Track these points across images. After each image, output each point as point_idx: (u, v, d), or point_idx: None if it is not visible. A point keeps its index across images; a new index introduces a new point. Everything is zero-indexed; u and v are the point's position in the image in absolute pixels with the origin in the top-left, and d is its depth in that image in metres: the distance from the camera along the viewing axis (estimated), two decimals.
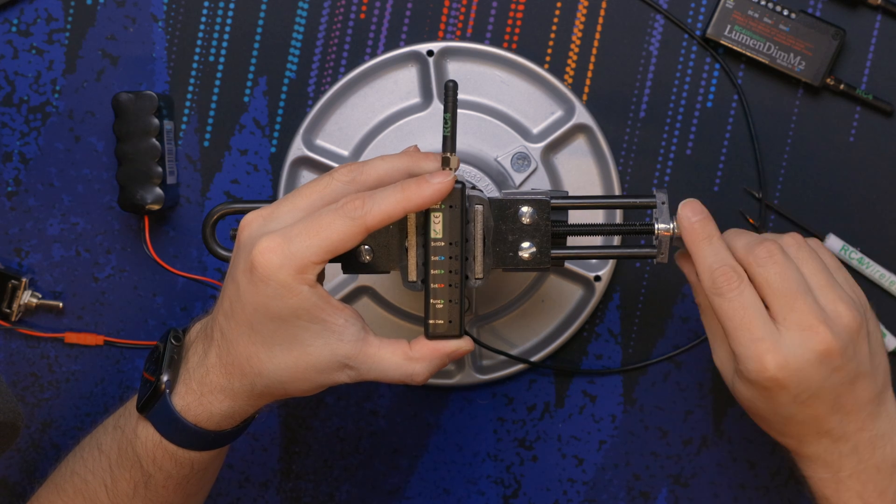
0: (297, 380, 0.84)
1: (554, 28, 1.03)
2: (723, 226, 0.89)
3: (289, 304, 0.82)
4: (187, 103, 1.03)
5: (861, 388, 0.85)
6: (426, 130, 1.01)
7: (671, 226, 0.88)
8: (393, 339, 0.85)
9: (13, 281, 1.01)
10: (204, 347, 0.86)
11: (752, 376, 0.84)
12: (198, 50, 1.03)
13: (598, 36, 1.03)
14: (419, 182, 0.82)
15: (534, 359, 1.03)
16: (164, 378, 0.86)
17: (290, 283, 0.81)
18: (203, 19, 1.03)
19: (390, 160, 0.86)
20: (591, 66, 1.03)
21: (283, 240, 0.81)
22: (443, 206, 0.83)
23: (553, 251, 0.88)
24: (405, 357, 0.85)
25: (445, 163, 0.84)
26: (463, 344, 0.86)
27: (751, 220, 1.03)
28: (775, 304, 0.85)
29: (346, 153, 1.02)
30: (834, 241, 1.03)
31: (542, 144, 1.01)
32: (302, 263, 0.81)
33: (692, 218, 0.87)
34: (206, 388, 0.86)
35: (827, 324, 0.84)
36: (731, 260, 0.86)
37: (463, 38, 1.03)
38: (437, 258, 0.84)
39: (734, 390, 0.88)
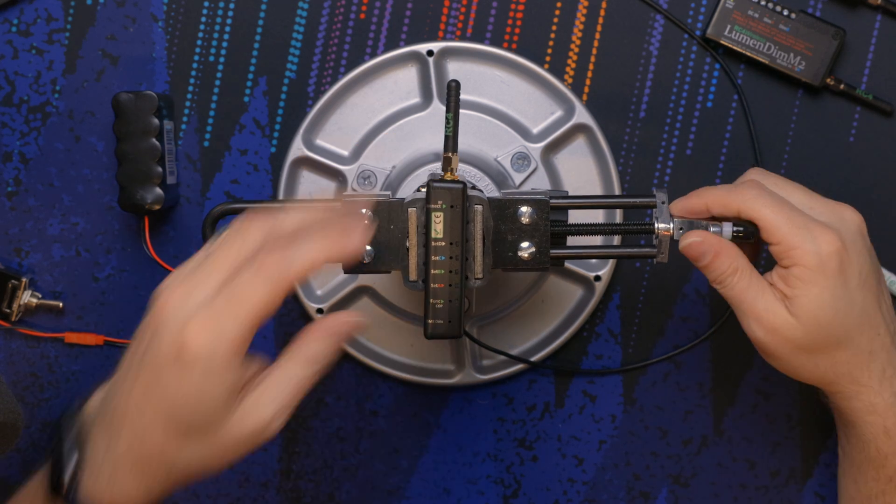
0: (210, 467, 0.80)
1: (554, 28, 1.03)
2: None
3: (216, 390, 0.77)
4: (187, 103, 1.03)
5: (884, 288, 0.89)
6: (426, 130, 1.01)
7: (671, 226, 0.88)
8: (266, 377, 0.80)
9: (13, 281, 1.01)
10: (109, 435, 0.80)
11: (823, 258, 0.84)
12: (198, 50, 1.03)
13: (598, 36, 1.03)
14: (343, 229, 0.78)
15: (534, 359, 1.03)
16: (68, 472, 0.82)
17: (222, 367, 0.76)
18: (203, 19, 1.03)
19: (307, 210, 0.80)
20: (591, 66, 1.03)
21: (210, 319, 0.76)
22: (444, 206, 0.84)
23: (553, 251, 0.88)
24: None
25: (447, 163, 0.84)
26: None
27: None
28: (799, 199, 0.88)
29: (345, 153, 1.02)
30: None
31: (542, 144, 1.01)
32: (233, 344, 0.76)
33: (684, 198, 0.89)
34: (116, 486, 0.80)
35: (844, 207, 0.88)
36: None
37: (463, 38, 1.03)
38: (437, 258, 0.84)
39: (799, 313, 0.85)
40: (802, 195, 0.88)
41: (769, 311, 0.86)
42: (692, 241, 0.87)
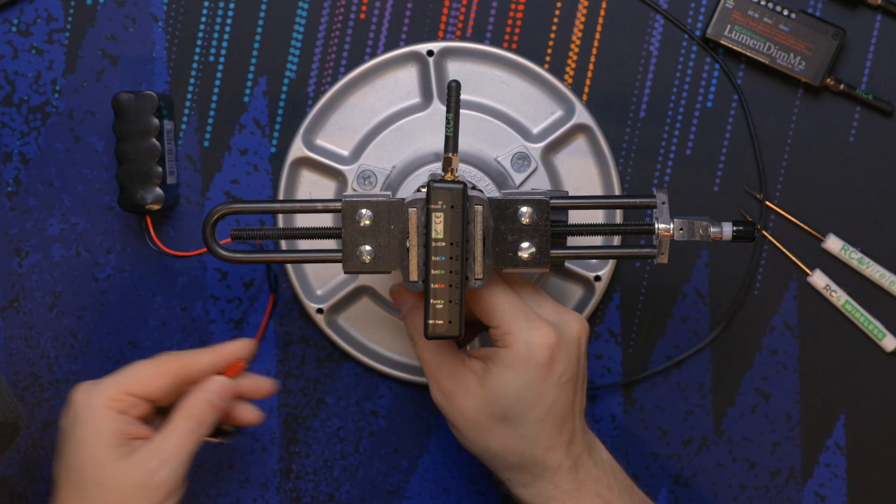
0: None
1: (554, 28, 1.03)
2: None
3: (98, 427, 0.89)
4: (187, 103, 1.03)
5: (582, 394, 0.92)
6: (426, 130, 1.01)
7: (671, 226, 0.88)
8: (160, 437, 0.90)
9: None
10: None
11: (533, 348, 0.87)
12: (198, 50, 1.03)
13: (598, 36, 1.03)
14: (226, 343, 0.94)
15: None
16: None
17: (100, 407, 0.89)
18: (203, 19, 1.03)
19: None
20: (591, 66, 1.03)
21: (92, 382, 0.91)
22: (444, 207, 0.83)
23: (553, 251, 0.88)
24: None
25: (447, 163, 0.84)
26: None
27: (750, 219, 1.03)
28: (529, 298, 0.90)
29: (345, 153, 1.02)
30: (834, 241, 1.03)
31: (542, 144, 1.01)
32: (111, 392, 0.89)
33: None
34: None
35: (573, 314, 0.91)
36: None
37: (463, 38, 1.03)
38: (437, 258, 0.84)
39: (487, 387, 0.89)
40: (535, 296, 0.91)
41: (451, 376, 0.90)
42: (392, 288, 0.94)
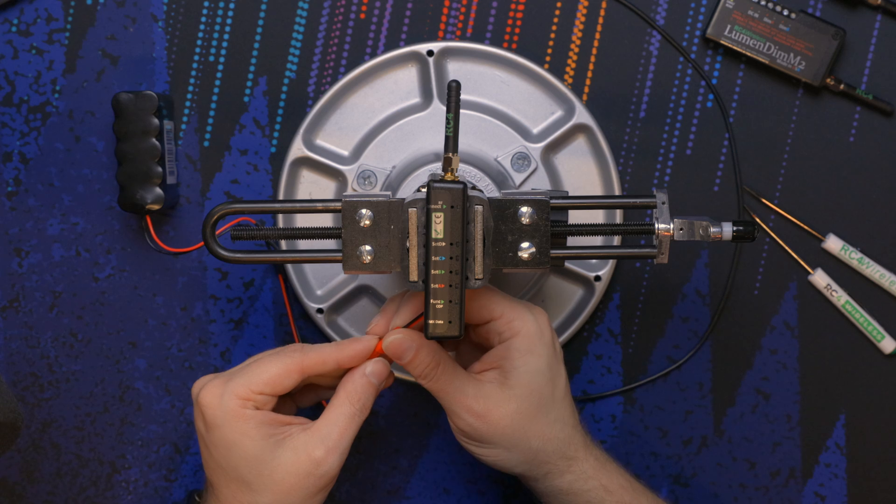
0: (295, 499, 0.88)
1: (554, 28, 1.03)
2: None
3: (241, 428, 0.88)
4: (187, 103, 1.03)
5: None
6: (426, 130, 1.01)
7: (671, 226, 0.88)
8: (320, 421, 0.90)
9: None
10: None
11: (541, 326, 0.90)
12: (198, 50, 1.03)
13: (598, 36, 1.03)
14: (353, 341, 0.90)
15: None
16: None
17: (235, 408, 0.88)
18: (203, 19, 1.03)
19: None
20: (591, 66, 1.03)
21: (222, 380, 0.89)
22: (444, 207, 0.83)
23: (553, 251, 0.88)
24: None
25: (447, 163, 0.84)
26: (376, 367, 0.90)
27: (753, 215, 1.03)
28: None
29: (346, 153, 1.02)
30: (834, 241, 1.03)
31: (542, 144, 1.01)
32: (242, 393, 0.88)
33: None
34: None
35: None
36: None
37: (463, 38, 1.03)
38: (437, 258, 0.84)
39: (516, 383, 0.89)
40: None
41: (478, 396, 0.90)
42: (393, 339, 0.89)
